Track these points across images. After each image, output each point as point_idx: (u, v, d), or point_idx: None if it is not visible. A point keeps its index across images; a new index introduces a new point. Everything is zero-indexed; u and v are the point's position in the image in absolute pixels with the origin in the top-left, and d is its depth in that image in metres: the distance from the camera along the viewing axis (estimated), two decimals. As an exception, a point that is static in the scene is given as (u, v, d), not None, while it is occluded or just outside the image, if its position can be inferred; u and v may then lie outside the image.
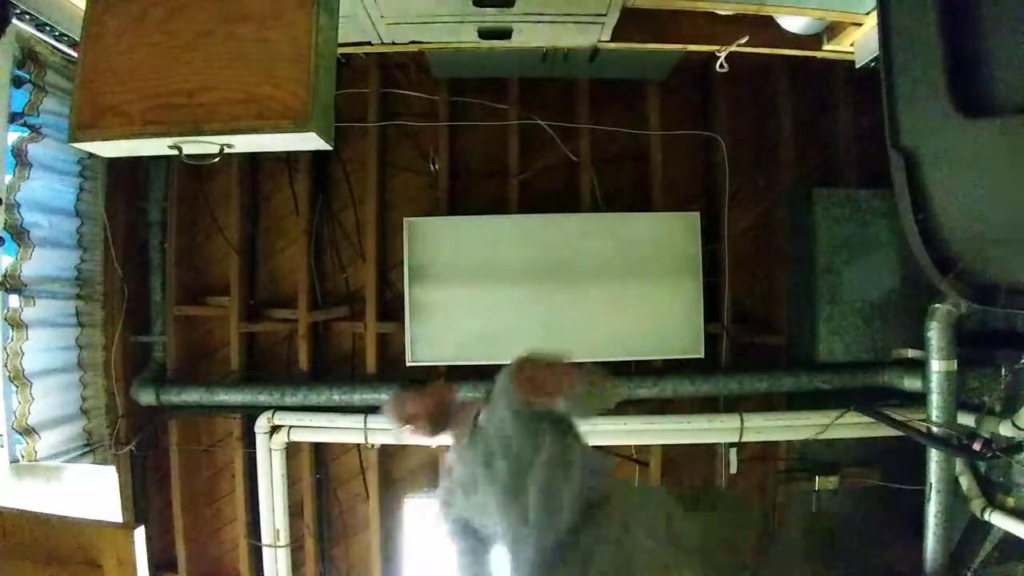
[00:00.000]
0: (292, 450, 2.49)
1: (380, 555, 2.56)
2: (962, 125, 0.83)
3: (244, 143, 1.33)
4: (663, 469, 2.52)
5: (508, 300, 2.39)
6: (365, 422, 2.35)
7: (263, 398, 2.39)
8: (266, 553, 2.46)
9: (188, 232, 2.56)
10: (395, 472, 2.60)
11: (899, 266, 2.32)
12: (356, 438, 2.39)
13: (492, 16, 1.68)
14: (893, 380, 2.33)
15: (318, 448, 2.56)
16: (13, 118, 1.86)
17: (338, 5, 1.40)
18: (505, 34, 1.77)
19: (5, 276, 1.91)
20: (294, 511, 2.51)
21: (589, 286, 2.40)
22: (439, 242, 2.40)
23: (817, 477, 2.51)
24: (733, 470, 2.49)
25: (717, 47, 1.90)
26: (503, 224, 2.44)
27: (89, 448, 2.28)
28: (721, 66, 1.93)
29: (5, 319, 1.91)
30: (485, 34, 1.77)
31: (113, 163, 2.26)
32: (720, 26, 1.86)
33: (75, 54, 1.52)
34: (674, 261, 2.41)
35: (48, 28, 1.75)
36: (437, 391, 1.22)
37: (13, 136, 1.89)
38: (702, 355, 2.41)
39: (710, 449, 2.55)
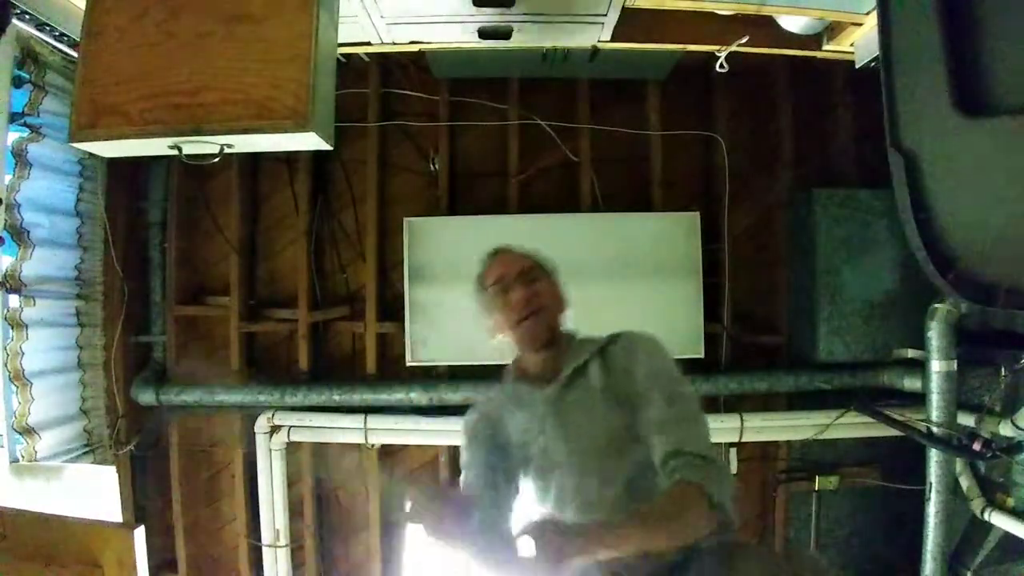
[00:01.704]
0: (292, 450, 2.49)
1: (380, 555, 2.56)
2: (962, 125, 0.83)
3: (244, 143, 1.33)
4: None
5: (508, 300, 2.39)
6: (365, 422, 2.35)
7: (263, 398, 2.39)
8: (266, 553, 2.46)
9: (188, 232, 2.56)
10: (395, 472, 2.60)
11: (899, 266, 2.32)
12: (356, 438, 2.40)
13: (492, 16, 1.68)
14: (893, 380, 2.33)
15: (318, 448, 2.56)
16: (13, 118, 1.86)
17: (338, 5, 1.40)
18: (505, 34, 1.77)
19: (5, 276, 1.91)
20: (294, 511, 2.52)
21: (589, 286, 2.39)
22: (439, 242, 2.40)
23: (817, 477, 2.51)
24: (733, 470, 2.49)
25: (717, 47, 1.89)
26: (503, 224, 2.44)
27: (89, 448, 2.28)
28: (721, 66, 1.93)
29: (5, 319, 1.91)
30: (485, 34, 1.77)
31: (113, 163, 2.26)
32: (720, 26, 1.86)
33: (75, 54, 1.52)
34: (674, 261, 2.41)
35: (48, 28, 1.75)
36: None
37: (13, 136, 1.89)
38: (702, 355, 2.41)
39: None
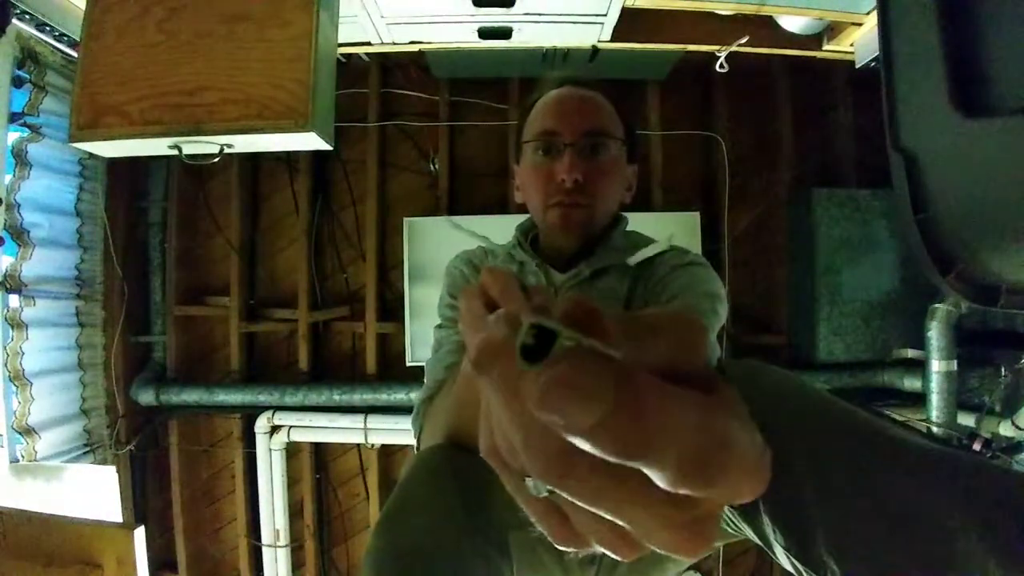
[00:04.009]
0: (292, 450, 2.49)
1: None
2: (962, 125, 0.83)
3: (244, 143, 1.33)
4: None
5: (508, 300, 2.39)
6: (365, 422, 2.35)
7: (263, 398, 2.39)
8: (266, 553, 2.46)
9: (188, 232, 2.56)
10: (395, 472, 2.60)
11: (899, 266, 2.32)
12: (356, 438, 2.40)
13: (492, 16, 1.68)
14: (893, 380, 2.33)
15: (318, 448, 2.56)
16: (13, 118, 1.86)
17: (338, 5, 1.40)
18: (505, 34, 1.77)
19: (5, 276, 1.91)
20: (294, 511, 2.52)
21: (589, 286, 2.40)
22: (439, 242, 2.40)
23: (817, 477, 2.51)
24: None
25: (717, 47, 1.90)
26: (503, 224, 2.42)
27: (89, 448, 2.28)
28: (721, 66, 1.93)
29: (5, 319, 1.91)
30: (485, 34, 1.77)
31: (113, 163, 2.26)
32: (720, 26, 1.86)
33: (75, 54, 1.52)
34: None
35: (48, 28, 1.76)
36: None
37: (13, 136, 1.89)
38: (702, 355, 2.41)
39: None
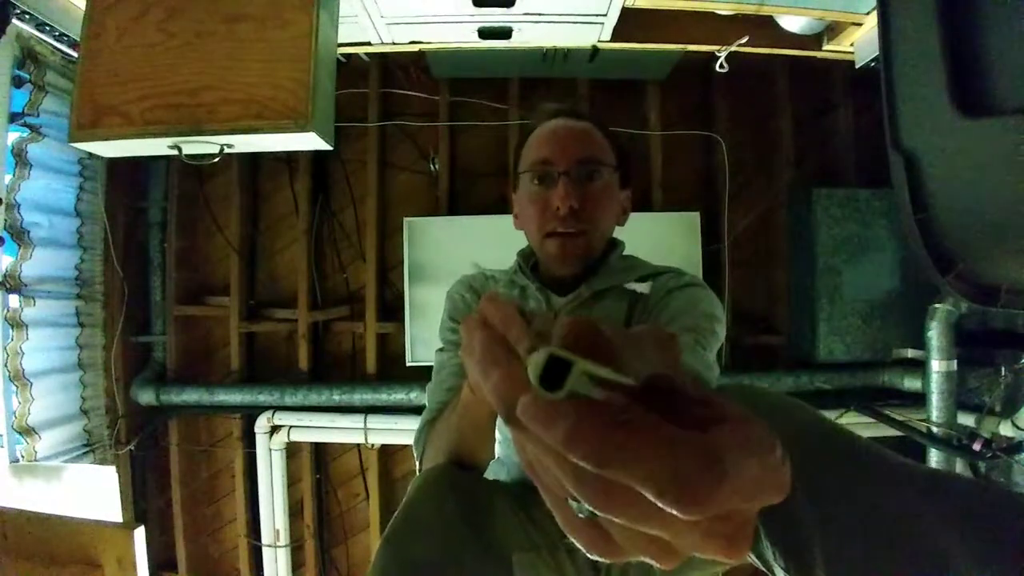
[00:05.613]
0: (292, 450, 2.49)
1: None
2: (962, 125, 0.83)
3: (244, 143, 1.33)
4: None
5: (508, 300, 2.39)
6: (365, 422, 2.35)
7: (263, 398, 2.39)
8: (266, 553, 2.46)
9: (188, 232, 2.56)
10: (395, 472, 2.60)
11: (899, 266, 2.32)
12: (356, 438, 2.40)
13: (492, 16, 1.69)
14: (893, 380, 2.33)
15: (318, 448, 2.56)
16: (13, 118, 1.86)
17: (338, 5, 1.40)
18: (505, 34, 1.77)
19: (5, 276, 1.91)
20: (294, 511, 2.52)
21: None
22: (439, 242, 2.40)
23: (817, 477, 2.50)
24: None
25: (717, 47, 1.90)
26: (503, 224, 2.43)
27: (89, 448, 2.28)
28: (721, 66, 1.93)
29: (5, 319, 1.91)
30: (485, 34, 1.78)
31: (113, 163, 2.26)
32: (720, 26, 1.86)
33: (75, 54, 1.52)
34: (674, 261, 2.36)
35: (48, 28, 1.75)
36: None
37: (13, 136, 1.89)
38: (702, 355, 2.40)
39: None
